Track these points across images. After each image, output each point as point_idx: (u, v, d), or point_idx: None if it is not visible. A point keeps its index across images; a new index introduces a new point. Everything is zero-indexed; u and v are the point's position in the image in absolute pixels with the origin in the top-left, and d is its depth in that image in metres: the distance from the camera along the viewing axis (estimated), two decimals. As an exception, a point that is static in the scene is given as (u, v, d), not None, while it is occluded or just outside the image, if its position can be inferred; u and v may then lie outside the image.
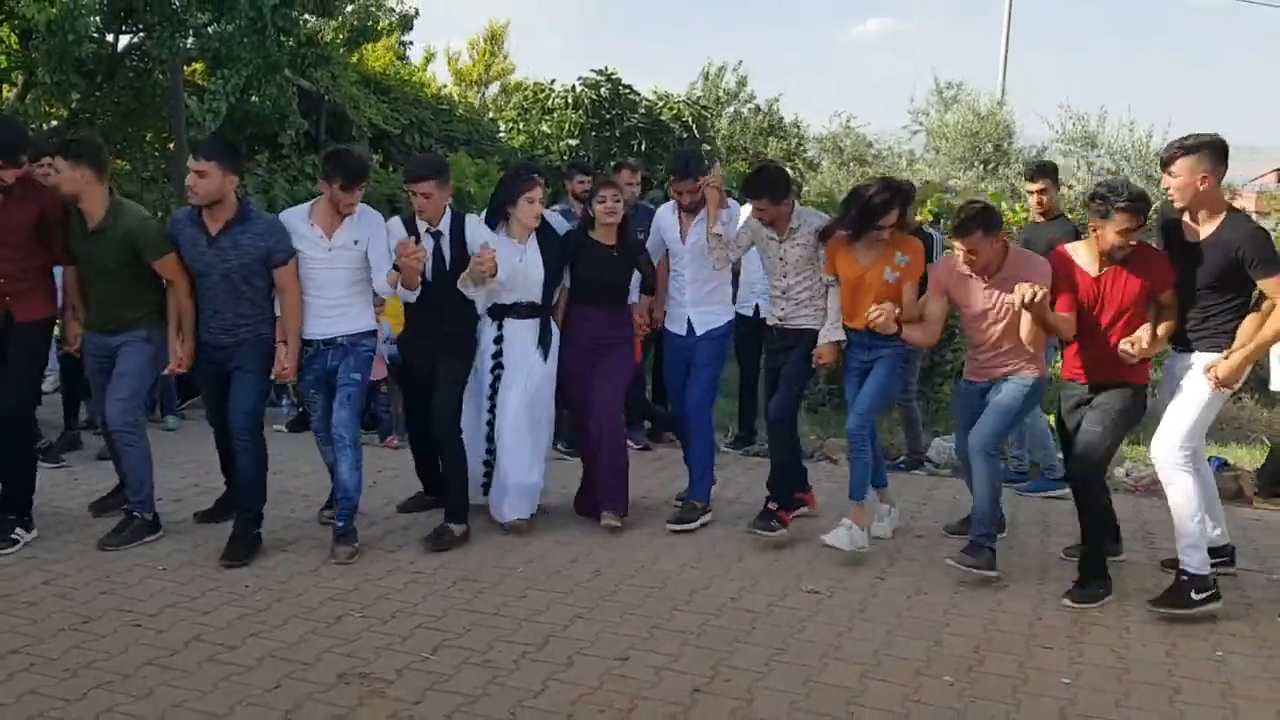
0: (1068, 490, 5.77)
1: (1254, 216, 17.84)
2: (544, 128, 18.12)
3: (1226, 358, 4.46)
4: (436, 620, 4.42)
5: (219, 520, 5.54)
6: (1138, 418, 4.88)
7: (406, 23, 17.36)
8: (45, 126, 12.13)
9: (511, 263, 5.38)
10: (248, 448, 5.18)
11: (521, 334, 5.51)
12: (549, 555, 5.25)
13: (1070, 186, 15.25)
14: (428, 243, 5.29)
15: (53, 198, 5.08)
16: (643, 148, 17.42)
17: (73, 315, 5.35)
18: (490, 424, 5.60)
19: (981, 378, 5.04)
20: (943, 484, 6.73)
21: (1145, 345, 4.54)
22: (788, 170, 5.82)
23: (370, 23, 13.29)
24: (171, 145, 12.57)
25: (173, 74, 11.44)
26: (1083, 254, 4.73)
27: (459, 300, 5.31)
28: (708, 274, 5.79)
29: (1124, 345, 4.56)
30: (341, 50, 13.58)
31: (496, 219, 5.57)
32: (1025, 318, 4.67)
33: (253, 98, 11.29)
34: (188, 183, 5.01)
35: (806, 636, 4.34)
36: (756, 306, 6.93)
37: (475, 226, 5.40)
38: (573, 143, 17.51)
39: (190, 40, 10.63)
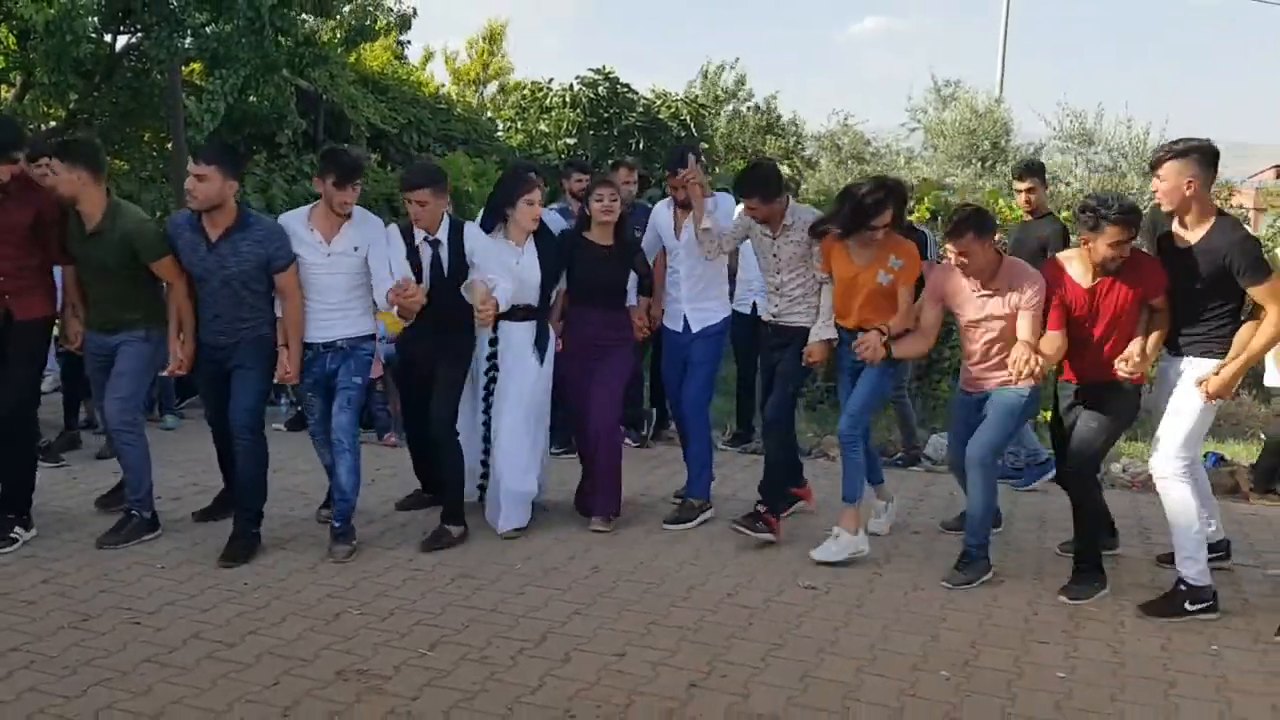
0: (1052, 476, 5.86)
1: (1251, 213, 17.90)
2: (542, 127, 18.14)
3: (1218, 373, 4.45)
4: (434, 617, 4.44)
5: (217, 519, 5.57)
6: (1132, 416, 4.89)
7: (405, 22, 17.37)
8: (43, 127, 12.13)
9: (509, 266, 5.38)
10: (248, 446, 5.18)
11: (517, 337, 5.49)
12: (547, 552, 5.26)
13: (1068, 184, 15.29)
14: (426, 251, 5.28)
15: (49, 198, 5.09)
16: (641, 146, 17.45)
17: (73, 314, 5.37)
18: (486, 424, 5.60)
19: (976, 389, 5.02)
20: (939, 480, 6.75)
21: (1138, 361, 4.55)
22: (780, 167, 5.82)
23: (368, 22, 13.28)
24: (169, 145, 12.58)
25: (171, 74, 11.46)
26: (1075, 265, 4.68)
27: (458, 306, 5.29)
28: (703, 270, 5.81)
29: (1118, 364, 4.56)
30: (339, 50, 13.58)
31: (494, 221, 5.56)
32: (1021, 347, 4.68)
33: (251, 98, 11.31)
34: (187, 186, 4.99)
35: (803, 632, 4.36)
36: (754, 304, 6.94)
37: (474, 235, 5.37)
38: (571, 141, 17.54)
39: (188, 40, 10.65)
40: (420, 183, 5.25)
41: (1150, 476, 4.81)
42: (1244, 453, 7.36)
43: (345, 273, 5.18)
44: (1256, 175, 24.32)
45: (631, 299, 5.87)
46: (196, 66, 12.48)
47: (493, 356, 5.50)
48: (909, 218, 7.57)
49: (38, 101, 12.01)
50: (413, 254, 5.27)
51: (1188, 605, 4.51)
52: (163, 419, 7.72)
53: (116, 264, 5.06)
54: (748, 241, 5.64)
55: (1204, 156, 4.43)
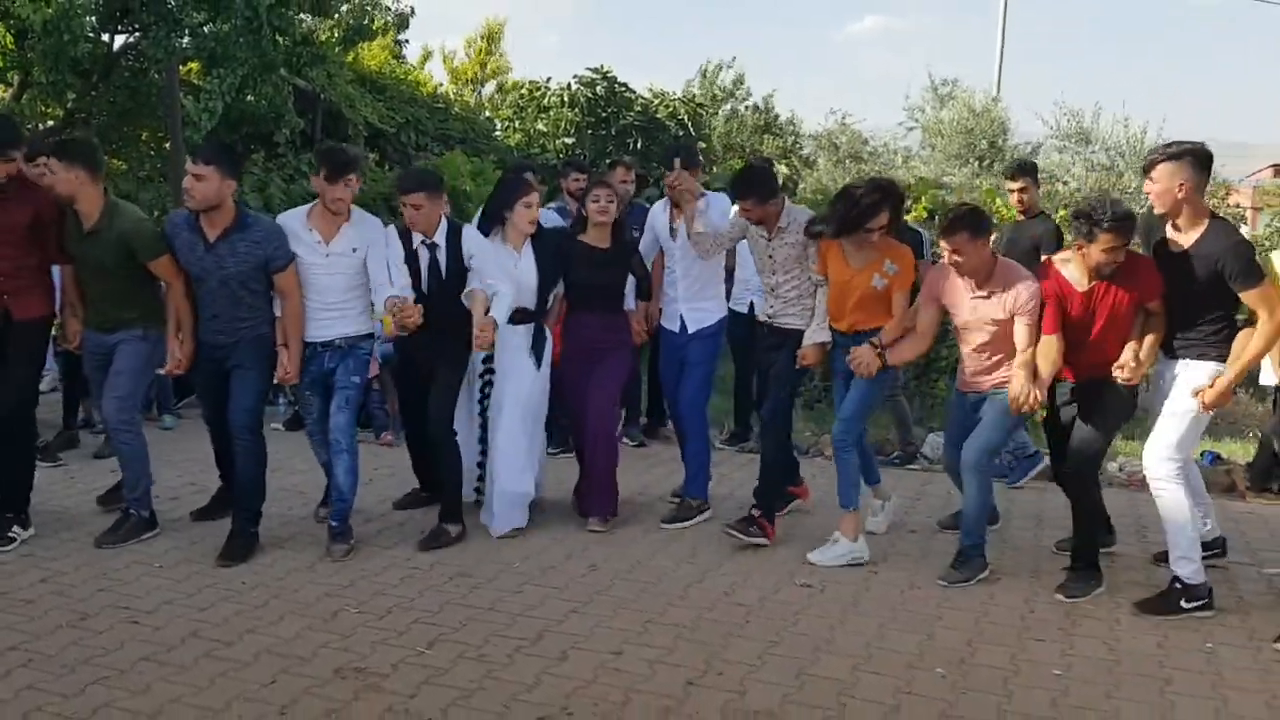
0: (1042, 467, 5.87)
1: (1248, 212, 17.90)
2: (540, 126, 18.15)
3: (1213, 384, 4.46)
4: (432, 615, 4.45)
5: (215, 517, 5.58)
6: (1129, 413, 4.89)
7: (403, 21, 17.36)
8: (41, 126, 12.14)
9: (508, 270, 5.38)
10: (248, 446, 5.19)
11: (513, 340, 5.46)
12: (544, 551, 5.27)
13: (1065, 183, 15.31)
14: (423, 254, 5.28)
15: (47, 198, 5.09)
16: (638, 146, 17.46)
17: (71, 313, 5.37)
18: (482, 427, 5.60)
19: (972, 389, 5.02)
20: (936, 479, 6.75)
21: (1133, 367, 4.56)
22: (777, 166, 5.81)
23: (366, 22, 13.28)
24: (167, 145, 12.57)
25: (168, 73, 11.45)
26: (1071, 268, 4.66)
27: (455, 309, 5.30)
28: (699, 270, 5.81)
29: (1114, 371, 4.57)
30: (337, 49, 13.58)
31: (492, 225, 5.54)
32: (1022, 371, 4.70)
33: (248, 97, 11.31)
34: (185, 186, 4.98)
35: (799, 630, 4.37)
36: (751, 303, 6.95)
37: (472, 238, 5.35)
38: (569, 141, 17.55)
39: (186, 40, 10.64)
40: (414, 186, 5.24)
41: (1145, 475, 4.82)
42: (1240, 451, 7.37)
43: (344, 273, 5.18)
44: (1254, 174, 24.34)
45: (630, 303, 5.87)
46: (194, 66, 12.47)
47: (489, 359, 5.49)
48: (905, 217, 7.59)
49: (35, 101, 12.01)
50: (411, 257, 5.27)
51: (1183, 603, 4.52)
52: (161, 419, 7.73)
53: (114, 263, 5.07)
54: (745, 240, 5.64)
55: (1197, 160, 4.43)
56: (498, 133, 19.01)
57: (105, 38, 11.34)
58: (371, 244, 5.20)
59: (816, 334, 5.24)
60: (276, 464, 5.49)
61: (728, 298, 6.39)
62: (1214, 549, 5.07)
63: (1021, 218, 6.81)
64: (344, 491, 5.21)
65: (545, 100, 18.31)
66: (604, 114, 17.82)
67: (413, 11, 15.61)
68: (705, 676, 3.93)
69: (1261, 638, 4.34)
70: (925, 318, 5.06)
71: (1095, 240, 4.43)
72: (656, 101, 18.91)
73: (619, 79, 18.08)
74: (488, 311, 5.19)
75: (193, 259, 5.04)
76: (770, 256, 5.35)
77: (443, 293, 5.29)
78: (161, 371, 5.40)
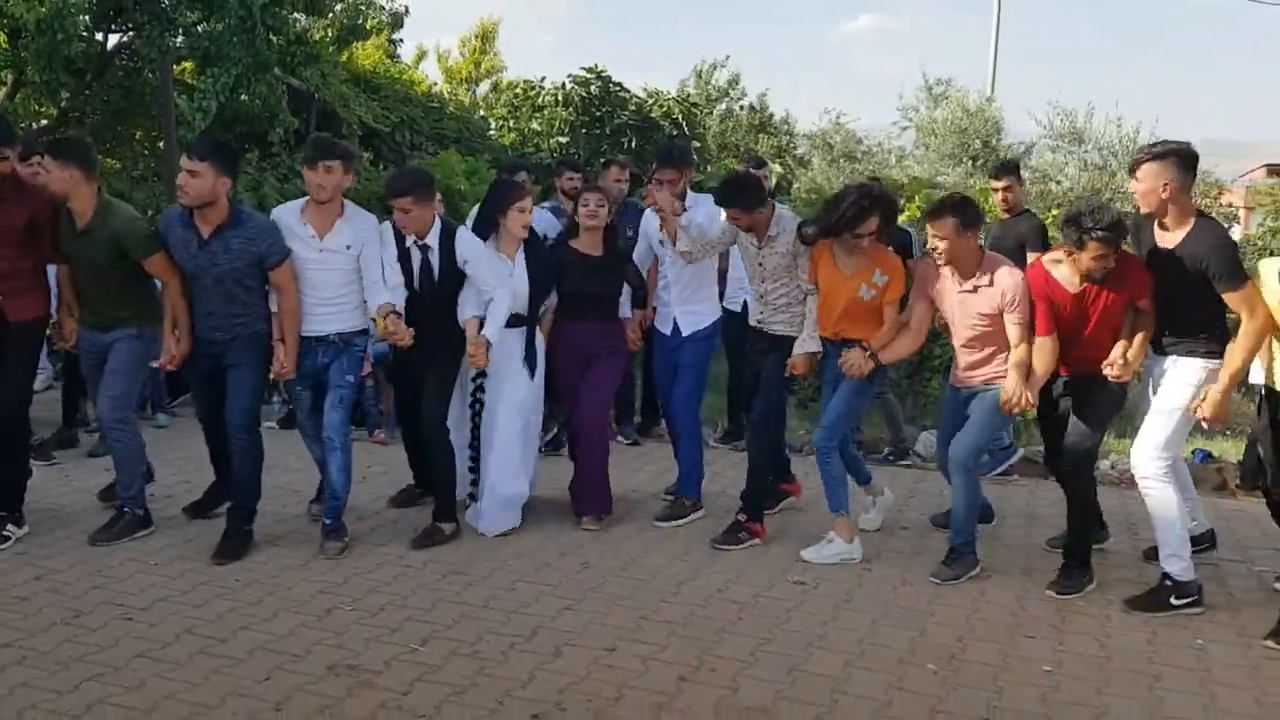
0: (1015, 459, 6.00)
1: (1241, 211, 17.92)
2: (534, 125, 18.14)
3: (1205, 397, 4.46)
4: (426, 613, 4.46)
5: (208, 510, 5.60)
6: (1119, 405, 4.92)
7: (397, 20, 17.36)
8: (35, 125, 12.13)
9: (502, 276, 5.38)
10: (244, 445, 5.19)
11: (506, 343, 5.43)
12: (538, 549, 5.29)
13: (1058, 182, 15.35)
14: (415, 254, 5.27)
15: (42, 197, 5.09)
16: (633, 145, 17.47)
17: (67, 313, 5.38)
18: (474, 432, 5.61)
19: (963, 384, 5.04)
20: (929, 477, 6.78)
21: (1122, 365, 4.57)
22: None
23: (360, 21, 13.28)
24: (161, 144, 12.56)
25: (162, 73, 11.44)
26: (1062, 269, 4.66)
27: (447, 310, 5.31)
28: (692, 273, 5.81)
29: (1105, 369, 4.59)
30: (331, 49, 13.57)
31: (488, 229, 5.52)
32: (1015, 372, 4.72)
33: (242, 96, 11.29)
34: (179, 182, 4.96)
35: (792, 627, 4.39)
36: (744, 303, 6.95)
37: (467, 242, 5.32)
38: (563, 140, 17.54)
39: (180, 39, 10.63)
40: (404, 189, 5.19)
41: (1135, 473, 4.84)
42: (1232, 449, 7.40)
43: (338, 269, 5.16)
44: (1248, 174, 24.39)
45: (626, 311, 5.87)
46: (188, 65, 12.45)
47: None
48: (900, 217, 7.60)
49: (29, 100, 11.99)
50: (404, 256, 5.28)
51: (1173, 600, 4.55)
52: (155, 417, 7.73)
53: (107, 262, 5.07)
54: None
55: (1181, 160, 4.44)
56: (492, 132, 19.00)
57: (99, 37, 11.32)
58: (366, 241, 5.18)
59: (807, 344, 5.23)
60: (271, 462, 5.50)
61: (721, 298, 6.40)
62: (1203, 543, 5.10)
63: (1006, 216, 6.87)
64: (337, 489, 5.23)
65: (540, 99, 18.30)
66: (598, 113, 17.82)
67: (407, 11, 15.62)
68: (698, 673, 3.95)
69: (1251, 634, 4.37)
70: (917, 313, 5.07)
71: (1085, 248, 4.45)
72: (651, 101, 18.91)
73: (613, 78, 18.08)
74: (482, 327, 5.21)
75: (187, 256, 5.03)
76: (760, 264, 5.33)
77: (435, 294, 5.29)
78: (155, 365, 5.40)
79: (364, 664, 3.96)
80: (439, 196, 5.75)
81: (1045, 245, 6.37)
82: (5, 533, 5.16)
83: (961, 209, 4.76)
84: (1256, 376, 4.70)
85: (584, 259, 5.62)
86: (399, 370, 5.89)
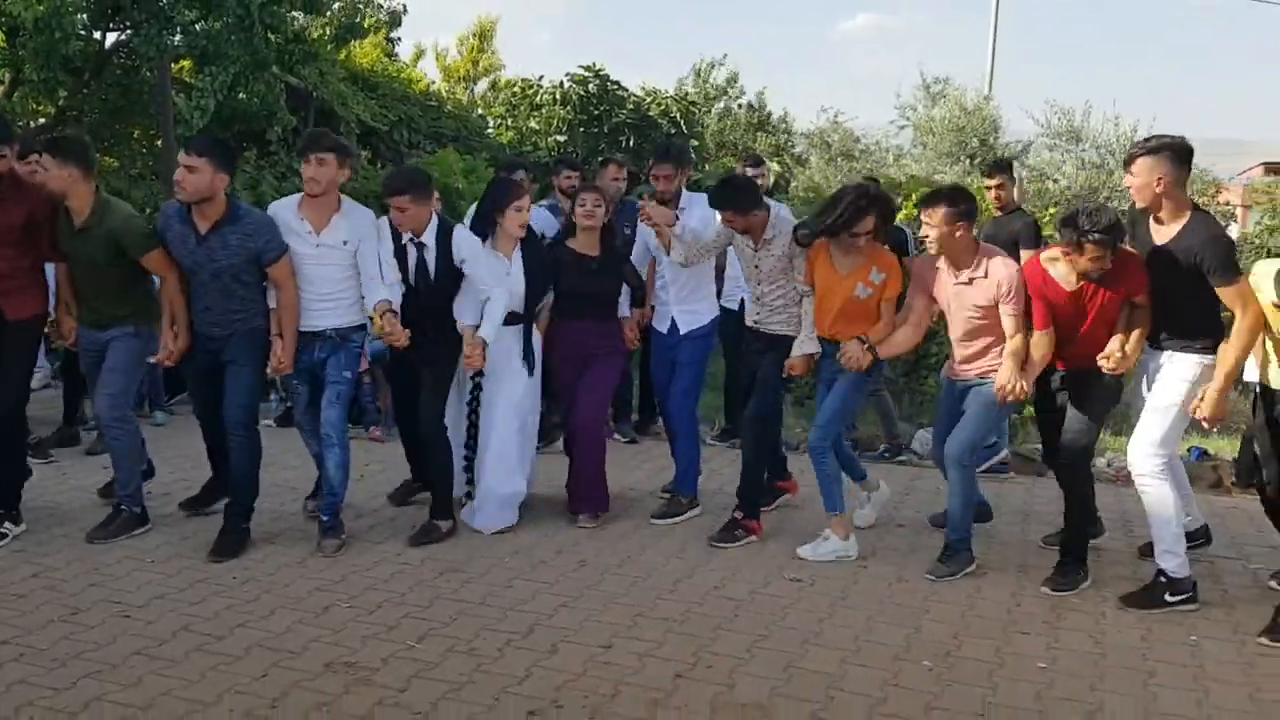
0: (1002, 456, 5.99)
1: (1239, 210, 17.94)
2: (532, 124, 18.15)
3: (1203, 398, 4.47)
4: (423, 610, 4.47)
5: (204, 506, 5.62)
6: (1115, 399, 4.92)
7: (395, 19, 17.37)
8: (32, 124, 12.13)
9: (498, 275, 5.39)
10: (242, 443, 5.20)
11: (503, 341, 5.44)
12: (535, 547, 5.30)
13: (1055, 181, 15.37)
14: (411, 252, 5.27)
15: (40, 195, 5.09)
16: (631, 143, 17.48)
17: (65, 311, 5.39)
18: (472, 428, 5.61)
19: (958, 377, 5.05)
20: (925, 474, 6.80)
21: (1119, 358, 4.58)
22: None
23: (358, 19, 13.29)
24: (159, 143, 12.58)
25: (160, 71, 11.46)
26: (1059, 267, 4.65)
27: (444, 308, 5.32)
28: (689, 272, 5.81)
29: (1100, 361, 4.59)
30: (329, 47, 13.59)
31: (486, 228, 5.50)
32: (1010, 361, 4.73)
33: (240, 95, 11.31)
34: (176, 178, 4.96)
35: (788, 623, 4.41)
36: (741, 301, 6.96)
37: (464, 240, 5.30)
38: (561, 139, 17.56)
39: (178, 37, 10.64)
40: (400, 188, 5.19)
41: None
42: (1227, 447, 7.41)
43: (335, 264, 5.15)
44: (1245, 172, 24.42)
45: (625, 310, 5.87)
46: (186, 63, 12.47)
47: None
48: (898, 216, 7.60)
49: (27, 99, 12.00)
50: (399, 253, 5.28)
51: (1168, 597, 4.56)
52: (152, 415, 7.74)
53: (104, 260, 5.08)
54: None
55: (1176, 154, 4.44)
56: (490, 130, 19.02)
57: (97, 35, 11.33)
58: (364, 237, 5.18)
59: (805, 345, 5.24)
60: (268, 460, 5.50)
61: (719, 296, 6.41)
62: (1198, 539, 5.11)
63: (999, 213, 6.90)
64: (335, 486, 5.24)
65: (538, 98, 18.32)
66: (596, 112, 17.84)
67: (405, 9, 15.64)
68: (694, 669, 3.96)
69: (1246, 631, 4.38)
70: (915, 308, 5.09)
71: (1082, 250, 4.45)
72: (649, 99, 18.93)
73: (611, 77, 18.09)
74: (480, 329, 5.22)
75: (184, 252, 5.04)
76: (756, 266, 5.33)
77: (430, 292, 5.30)
78: (152, 360, 5.40)
79: (361, 661, 3.97)
80: (437, 195, 5.75)
81: (1038, 243, 6.39)
82: (3, 530, 5.17)
83: (950, 196, 4.78)
84: (1251, 375, 4.71)
85: (581, 259, 5.62)
86: (396, 368, 5.90)
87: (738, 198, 5.21)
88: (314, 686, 3.77)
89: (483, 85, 27.89)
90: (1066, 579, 4.79)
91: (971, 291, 4.81)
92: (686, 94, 22.58)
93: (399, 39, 20.34)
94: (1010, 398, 4.74)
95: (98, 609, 4.40)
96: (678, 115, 18.73)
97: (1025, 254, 6.01)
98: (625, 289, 5.81)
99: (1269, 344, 4.46)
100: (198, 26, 10.56)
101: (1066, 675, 3.97)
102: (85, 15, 10.33)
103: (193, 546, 5.15)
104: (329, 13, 13.10)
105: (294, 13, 11.63)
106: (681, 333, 5.88)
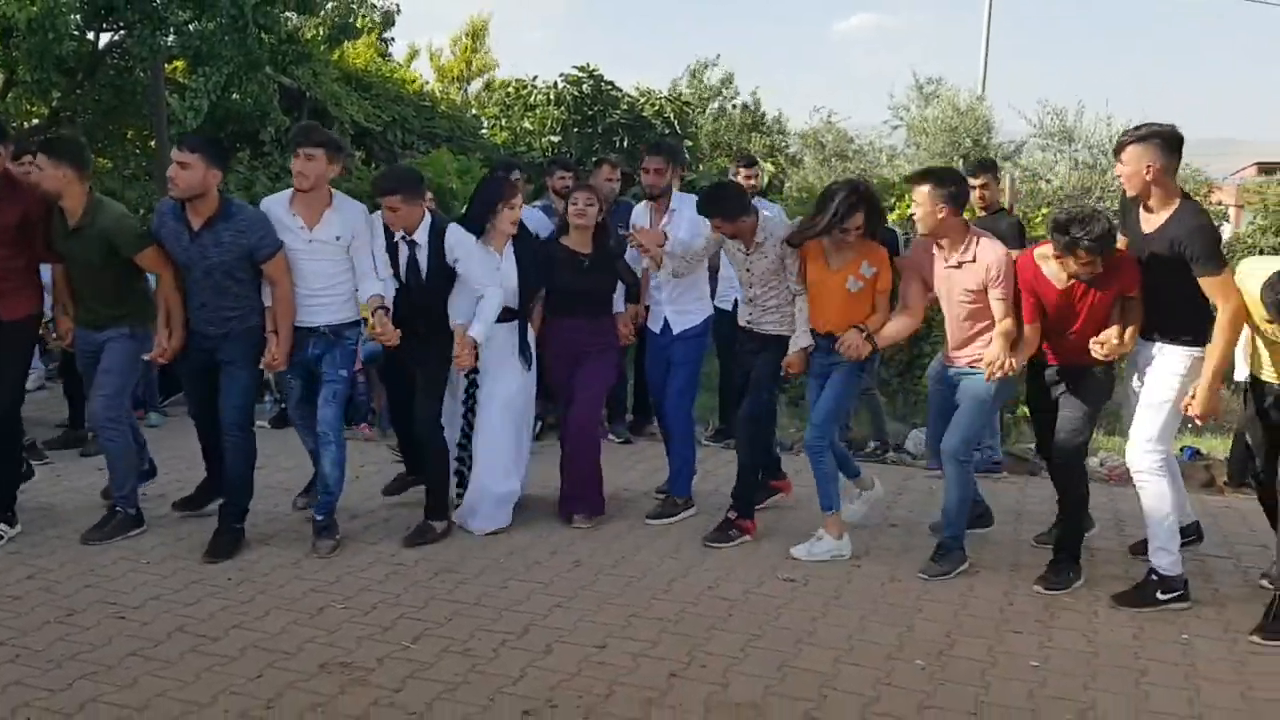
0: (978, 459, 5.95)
1: (1231, 210, 17.96)
2: (526, 124, 18.17)
3: (1194, 395, 4.49)
4: (418, 611, 4.48)
5: (199, 507, 5.62)
6: (1107, 395, 4.92)
7: (388, 19, 17.38)
8: (26, 125, 12.12)
9: (490, 269, 5.39)
10: (237, 443, 5.21)
11: (497, 338, 5.44)
12: (530, 547, 5.31)
13: (1048, 181, 15.40)
14: (403, 249, 5.27)
15: (35, 196, 5.10)
16: (625, 144, 17.49)
17: (62, 311, 5.40)
18: (464, 430, 5.62)
19: (951, 363, 5.06)
20: (917, 474, 6.83)
21: (1114, 344, 4.58)
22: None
23: (351, 20, 13.31)
24: (153, 143, 12.58)
25: (154, 72, 11.46)
26: (1051, 265, 4.65)
27: (436, 308, 5.33)
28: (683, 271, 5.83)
29: (1094, 347, 4.58)
30: (323, 47, 13.60)
31: (480, 226, 5.48)
32: (1000, 339, 4.75)
33: (234, 95, 11.32)
34: (169, 174, 4.95)
35: (782, 623, 4.42)
36: (735, 301, 6.97)
37: (457, 238, 5.28)
38: (555, 139, 17.58)
39: (171, 38, 10.64)
40: (392, 188, 5.19)
41: (1126, 469, 4.87)
42: (1220, 446, 7.44)
43: (328, 259, 5.14)
44: (1238, 172, 24.48)
45: (619, 306, 5.88)
46: (180, 64, 12.48)
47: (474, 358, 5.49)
48: (891, 215, 7.63)
49: (20, 99, 12.00)
50: (392, 249, 5.29)
51: (1159, 595, 4.58)
52: (147, 416, 7.74)
53: (99, 260, 5.08)
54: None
55: (1165, 142, 4.45)
56: (484, 131, 19.04)
57: (90, 36, 11.34)
58: (357, 232, 5.18)
59: (800, 340, 5.25)
60: (262, 461, 5.51)
61: (712, 296, 6.42)
62: (1190, 535, 5.13)
63: (983, 213, 6.92)
64: (330, 484, 5.24)
65: (531, 98, 18.34)
66: (590, 112, 17.86)
67: (398, 9, 15.63)
68: (688, 669, 3.97)
69: (1237, 630, 4.40)
70: (912, 293, 5.10)
71: (1074, 256, 4.46)
72: (643, 100, 18.95)
73: (606, 77, 18.12)
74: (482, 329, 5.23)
75: (178, 248, 5.04)
76: (748, 270, 5.34)
77: (422, 290, 5.30)
78: (146, 358, 5.40)
79: (356, 662, 3.98)
80: (431, 195, 5.76)
81: (1023, 244, 6.40)
82: (-2, 531, 5.17)
83: (941, 178, 4.80)
84: (1241, 374, 4.73)
85: (574, 255, 5.64)
86: (392, 369, 5.90)
87: (725, 204, 5.23)
88: (309, 687, 3.78)
89: (477, 85, 27.89)
90: (1059, 578, 4.81)
91: (961, 275, 4.83)
92: (680, 94, 22.60)
93: (393, 39, 20.38)
94: (999, 374, 4.73)
95: (93, 610, 4.41)
96: (671, 116, 18.75)
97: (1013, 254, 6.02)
98: (620, 285, 5.82)
99: (1256, 339, 4.48)
100: (191, 27, 10.57)
101: (1059, 674, 3.99)
102: (79, 16, 10.34)
103: (188, 548, 5.16)
104: (322, 13, 13.10)
105: (287, 13, 11.64)
106: (675, 333, 5.89)
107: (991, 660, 4.09)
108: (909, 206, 9.66)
